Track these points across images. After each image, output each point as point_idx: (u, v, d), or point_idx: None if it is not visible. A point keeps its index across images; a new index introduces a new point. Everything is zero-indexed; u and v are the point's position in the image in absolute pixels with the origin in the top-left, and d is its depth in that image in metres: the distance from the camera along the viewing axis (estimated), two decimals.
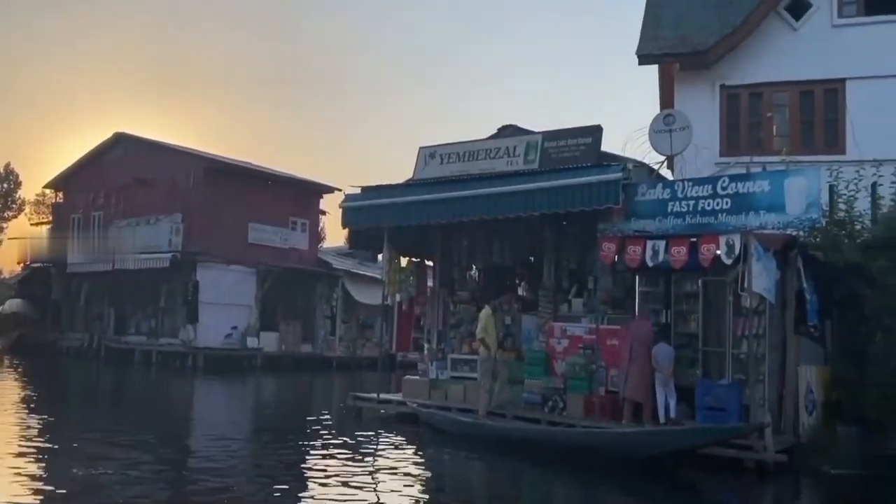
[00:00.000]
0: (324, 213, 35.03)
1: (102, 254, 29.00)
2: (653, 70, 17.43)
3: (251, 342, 27.62)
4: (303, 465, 9.79)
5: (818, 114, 15.10)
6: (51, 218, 37.56)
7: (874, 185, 12.51)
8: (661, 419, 10.64)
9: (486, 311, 12.51)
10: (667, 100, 17.40)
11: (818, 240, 11.33)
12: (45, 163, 78.07)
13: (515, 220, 12.82)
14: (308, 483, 8.71)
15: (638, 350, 10.94)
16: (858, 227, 11.81)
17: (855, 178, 12.06)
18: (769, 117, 15.54)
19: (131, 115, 79.61)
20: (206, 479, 8.66)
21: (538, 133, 13.33)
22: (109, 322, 30.71)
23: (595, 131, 12.78)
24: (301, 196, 32.36)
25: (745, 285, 9.98)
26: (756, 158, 13.95)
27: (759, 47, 15.21)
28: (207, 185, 28.42)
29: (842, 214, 12.01)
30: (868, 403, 9.83)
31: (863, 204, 12.24)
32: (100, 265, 28.98)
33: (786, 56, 15.03)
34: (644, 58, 15.71)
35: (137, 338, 29.34)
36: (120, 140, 31.95)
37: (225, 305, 27.36)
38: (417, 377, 14.51)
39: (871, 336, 10.67)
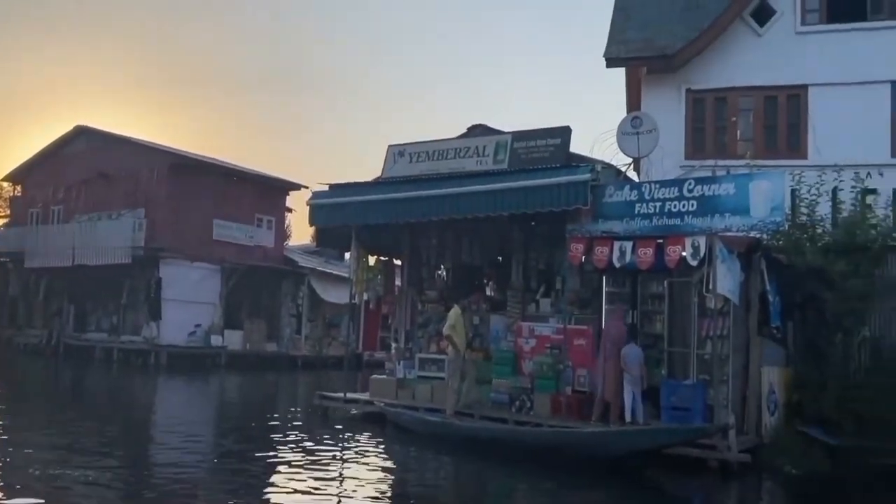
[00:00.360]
0: (290, 210, 34.81)
1: (62, 249, 28.44)
2: (620, 73, 17.63)
3: (215, 340, 27.28)
4: (266, 467, 9.67)
5: (781, 119, 15.38)
6: (8, 212, 36.74)
7: (835, 190, 12.77)
8: (628, 419, 10.75)
9: (455, 311, 12.51)
10: (633, 102, 17.59)
11: (781, 243, 11.55)
12: (2, 155, 76.34)
13: (484, 219, 12.83)
14: (271, 484, 8.61)
15: (610, 350, 11.04)
16: (819, 230, 12.07)
17: (816, 183, 12.32)
18: (734, 122, 15.78)
19: (95, 109, 78.18)
20: (167, 481, 8.52)
21: (507, 133, 13.37)
22: (69, 319, 30.09)
23: (564, 132, 12.85)
24: (267, 193, 32.06)
25: (710, 287, 10.11)
26: (721, 162, 14.16)
27: (724, 52, 15.45)
28: (172, 180, 28.02)
29: (803, 218, 12.26)
30: (827, 404, 10.05)
31: (824, 208, 12.50)
32: (59, 260, 28.42)
33: (751, 62, 15.28)
34: (612, 61, 15.87)
35: (98, 335, 28.81)
36: (81, 133, 31.35)
37: (188, 303, 26.99)
38: (385, 376, 14.47)
39: (831, 338, 10.92)
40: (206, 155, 32.08)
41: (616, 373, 10.93)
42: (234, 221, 29.89)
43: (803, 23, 15.24)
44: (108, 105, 75.18)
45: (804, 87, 15.02)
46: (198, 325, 27.17)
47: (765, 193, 10.36)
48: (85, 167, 29.98)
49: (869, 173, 12.59)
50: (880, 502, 8.84)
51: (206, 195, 28.47)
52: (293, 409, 16.72)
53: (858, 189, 12.44)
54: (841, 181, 12.60)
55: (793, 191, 12.55)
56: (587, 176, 11.36)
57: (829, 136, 14.10)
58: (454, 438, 11.16)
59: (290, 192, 33.15)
